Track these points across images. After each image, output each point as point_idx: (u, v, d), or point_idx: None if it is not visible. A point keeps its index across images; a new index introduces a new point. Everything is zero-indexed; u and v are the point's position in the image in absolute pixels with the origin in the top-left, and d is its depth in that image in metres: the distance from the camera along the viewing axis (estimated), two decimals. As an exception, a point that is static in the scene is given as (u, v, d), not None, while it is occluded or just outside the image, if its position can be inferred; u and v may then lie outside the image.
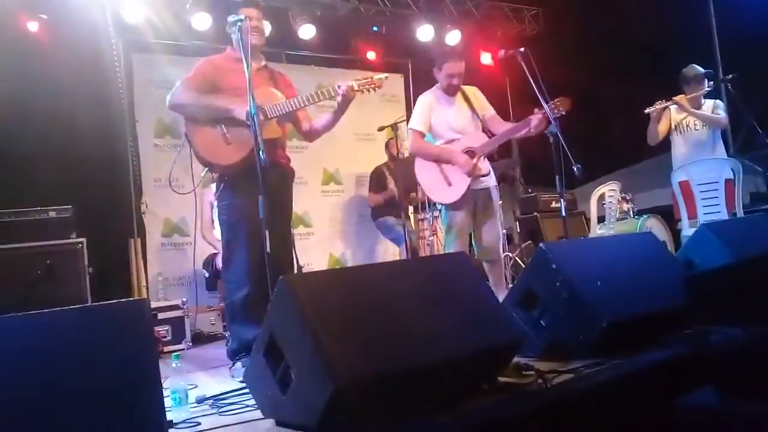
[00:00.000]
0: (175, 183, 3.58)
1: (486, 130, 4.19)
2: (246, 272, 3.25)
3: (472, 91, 4.27)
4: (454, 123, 4.14)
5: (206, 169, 3.44)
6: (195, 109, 3.33)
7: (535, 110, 3.84)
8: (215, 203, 3.58)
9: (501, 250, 4.17)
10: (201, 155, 3.33)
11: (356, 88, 3.36)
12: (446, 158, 4.08)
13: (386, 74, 3.60)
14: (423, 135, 4.16)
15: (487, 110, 4.23)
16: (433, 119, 4.14)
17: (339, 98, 3.39)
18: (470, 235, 4.18)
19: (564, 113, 3.77)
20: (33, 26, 5.32)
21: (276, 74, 3.64)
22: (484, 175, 4.08)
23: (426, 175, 4.14)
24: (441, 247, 5.61)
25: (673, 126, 5.08)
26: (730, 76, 5.53)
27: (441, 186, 4.08)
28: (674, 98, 4.92)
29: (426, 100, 4.20)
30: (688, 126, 5.05)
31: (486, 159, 4.12)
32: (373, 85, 3.41)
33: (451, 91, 4.17)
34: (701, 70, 5.04)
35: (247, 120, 3.09)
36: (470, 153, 4.04)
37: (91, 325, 1.74)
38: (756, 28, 6.80)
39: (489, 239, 4.10)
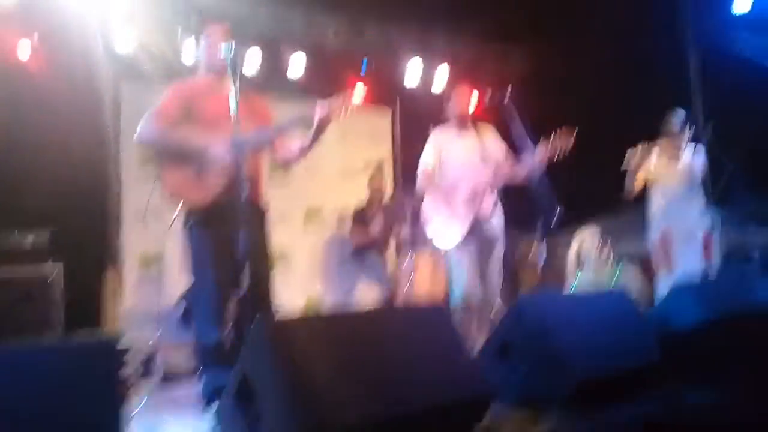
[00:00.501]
0: (153, 215, 3.50)
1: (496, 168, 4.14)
2: (216, 313, 3.15)
3: (486, 128, 4.26)
4: (464, 160, 4.09)
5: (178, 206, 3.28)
6: (165, 144, 3.18)
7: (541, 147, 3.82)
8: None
9: (498, 295, 4.09)
10: (172, 192, 3.19)
11: (329, 110, 3.17)
12: (452, 195, 4.02)
13: (360, 93, 3.45)
14: (432, 172, 4.10)
15: (497, 149, 4.19)
16: (443, 156, 4.10)
17: (314, 124, 3.22)
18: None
19: (568, 148, 3.76)
20: (24, 53, 5.31)
21: (251, 97, 3.43)
22: (485, 217, 4.04)
23: (431, 213, 4.09)
24: (422, 287, 5.62)
25: (651, 176, 5.15)
26: (710, 126, 5.67)
27: (446, 227, 4.01)
28: (655, 147, 5.00)
29: (437, 136, 4.17)
30: (665, 175, 5.13)
31: (495, 196, 4.09)
32: (346, 105, 3.20)
33: (464, 120, 4.15)
34: (682, 119, 5.14)
35: (223, 159, 3.04)
36: (477, 188, 4.00)
37: (56, 362, 1.71)
38: (738, 76, 6.97)
39: (492, 282, 4.04)
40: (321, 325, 2.25)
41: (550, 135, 3.83)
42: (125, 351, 4.36)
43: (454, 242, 3.97)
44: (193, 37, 5.75)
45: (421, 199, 4.20)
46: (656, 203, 5.17)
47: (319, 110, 3.17)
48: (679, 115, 5.13)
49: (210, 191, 3.15)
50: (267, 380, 1.97)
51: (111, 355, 1.82)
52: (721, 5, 7.26)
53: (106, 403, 1.70)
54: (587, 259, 5.53)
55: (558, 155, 3.78)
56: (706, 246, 4.87)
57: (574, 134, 3.78)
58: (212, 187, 3.15)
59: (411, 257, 5.62)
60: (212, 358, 3.19)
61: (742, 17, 7.13)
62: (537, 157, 3.77)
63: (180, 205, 3.22)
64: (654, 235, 4.93)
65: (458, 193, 4.00)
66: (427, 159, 4.10)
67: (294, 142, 3.44)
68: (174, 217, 3.31)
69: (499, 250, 4.12)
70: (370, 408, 1.98)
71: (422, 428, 2.12)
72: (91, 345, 1.90)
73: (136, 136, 3.21)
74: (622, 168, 4.98)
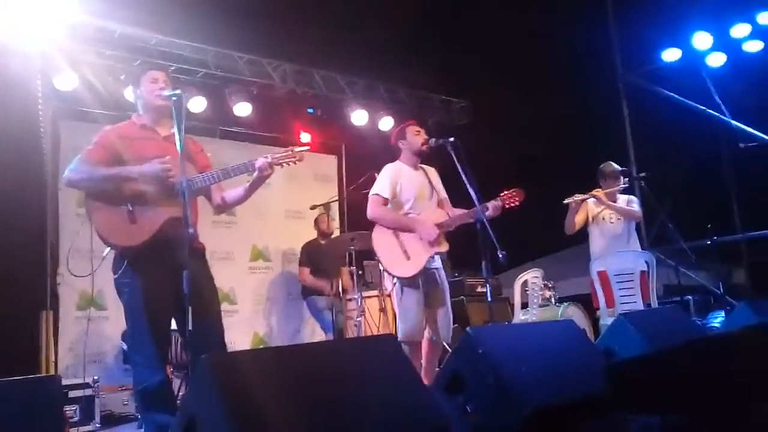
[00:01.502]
0: (88, 256, 3.37)
1: None
2: (154, 356, 3.06)
3: (432, 171, 4.33)
4: (417, 196, 4.12)
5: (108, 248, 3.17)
6: (96, 183, 3.09)
7: (497, 198, 3.98)
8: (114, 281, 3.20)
9: (450, 335, 4.07)
10: (103, 235, 3.08)
11: (272, 161, 3.18)
12: (408, 226, 4.02)
13: (307, 147, 3.50)
14: (385, 202, 4.08)
15: (442, 192, 4.28)
16: (398, 188, 4.10)
17: (255, 173, 3.21)
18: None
19: (518, 204, 3.95)
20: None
21: (188, 141, 3.35)
22: (440, 253, 4.06)
23: (383, 244, 4.05)
24: (370, 329, 5.59)
25: (590, 218, 5.32)
26: (643, 174, 5.94)
27: (399, 258, 3.99)
28: (593, 192, 5.19)
29: (392, 169, 4.18)
30: (604, 219, 5.30)
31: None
32: (292, 158, 3.22)
33: (420, 156, 4.21)
34: (617, 167, 5.37)
35: (153, 181, 3.02)
36: (435, 228, 4.01)
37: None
38: (667, 128, 7.35)
39: (442, 321, 4.03)
40: (269, 359, 2.20)
41: (495, 182, 3.98)
42: (65, 392, 4.17)
43: (408, 272, 3.95)
44: (134, 79, 5.69)
45: (369, 236, 4.20)
46: (595, 244, 5.33)
47: (263, 160, 3.18)
48: (614, 166, 5.35)
49: (144, 233, 3.08)
50: (214, 419, 1.90)
51: (53, 394, 1.74)
52: (650, 55, 7.68)
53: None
54: (531, 300, 5.63)
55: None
56: (643, 287, 5.02)
57: (523, 196, 4.00)
58: (147, 228, 3.08)
59: (359, 300, 5.59)
60: (153, 402, 3.09)
61: (671, 65, 7.54)
62: (489, 211, 3.89)
63: (110, 247, 3.14)
64: (594, 274, 5.06)
65: (415, 228, 4.01)
66: (381, 188, 4.10)
67: (233, 189, 3.44)
68: (103, 258, 3.20)
69: (447, 291, 4.15)
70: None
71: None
72: (34, 384, 1.82)
73: (64, 178, 3.15)
74: (565, 201, 5.13)
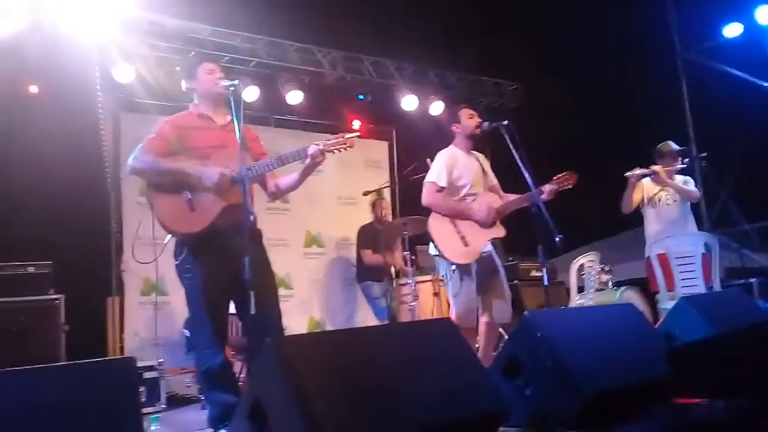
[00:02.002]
0: (152, 243, 3.50)
1: None
2: (214, 337, 3.18)
3: (482, 157, 4.30)
4: (473, 181, 4.09)
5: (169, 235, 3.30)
6: (157, 175, 3.21)
7: (551, 181, 3.95)
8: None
9: (510, 318, 4.05)
10: (164, 222, 3.20)
11: (324, 148, 3.25)
12: (465, 213, 4.00)
13: (357, 133, 3.53)
14: (441, 189, 4.06)
15: (493, 178, 4.26)
16: (455, 175, 4.07)
17: (308, 160, 3.30)
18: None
19: (571, 187, 3.90)
20: (24, 87, 5.37)
21: (244, 129, 3.39)
22: (497, 238, 4.04)
23: (440, 231, 4.03)
24: (424, 314, 5.61)
25: (645, 199, 5.20)
26: (704, 153, 5.75)
27: (456, 245, 3.97)
28: (653, 167, 5.06)
29: (447, 155, 4.14)
30: (660, 201, 5.18)
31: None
32: (343, 145, 3.29)
33: (473, 140, 4.18)
34: (676, 146, 5.22)
35: (213, 185, 3.12)
36: (491, 211, 4.00)
37: (76, 382, 1.71)
38: (728, 106, 7.09)
39: (500, 304, 4.03)
40: (331, 342, 2.25)
41: (548, 165, 3.94)
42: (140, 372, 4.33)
43: (466, 259, 3.95)
44: (190, 70, 5.80)
45: (424, 222, 4.21)
46: (651, 227, 5.21)
47: (315, 147, 3.25)
48: (672, 145, 5.21)
49: (203, 220, 3.17)
50: (279, 400, 1.96)
51: (130, 374, 1.82)
52: (710, 31, 7.41)
53: (128, 423, 1.69)
54: (587, 283, 5.55)
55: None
56: (705, 269, 4.89)
57: (575, 179, 3.95)
58: (206, 216, 3.18)
59: (412, 284, 5.62)
60: (216, 383, 3.20)
61: (733, 41, 7.26)
62: (544, 195, 3.87)
63: (171, 234, 3.25)
64: (653, 257, 4.95)
65: (471, 213, 4.00)
66: (437, 176, 4.08)
67: (287, 176, 3.52)
68: (164, 245, 3.32)
69: (503, 273, 4.14)
70: (384, 425, 1.97)
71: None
72: (112, 365, 1.91)
73: (128, 166, 3.27)
74: (626, 174, 5.03)
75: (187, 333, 5.07)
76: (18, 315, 4.25)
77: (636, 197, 5.15)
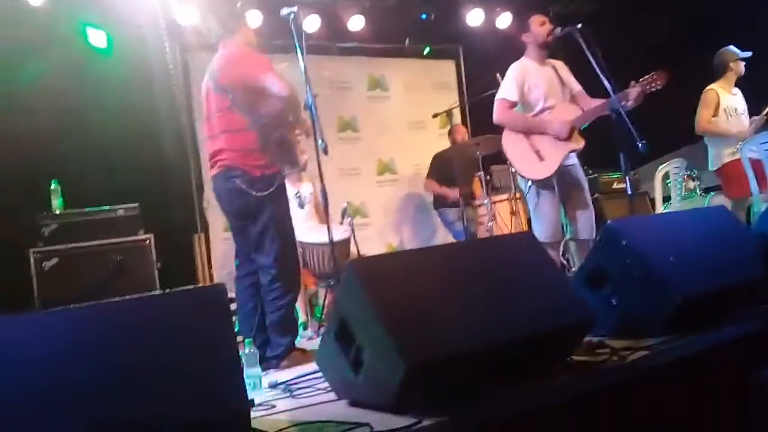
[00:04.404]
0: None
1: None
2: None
3: (560, 64, 4.12)
4: (547, 93, 3.95)
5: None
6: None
7: (632, 83, 3.67)
8: None
9: (593, 234, 3.93)
10: None
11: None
12: (538, 128, 3.89)
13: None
14: (513, 105, 3.96)
15: (575, 85, 4.07)
16: (526, 88, 3.94)
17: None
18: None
19: (660, 88, 3.62)
20: (98, 39, 5.49)
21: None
22: (575, 150, 3.89)
23: (514, 148, 3.96)
24: (502, 233, 5.56)
25: (722, 110, 4.92)
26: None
27: (532, 161, 3.89)
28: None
29: (518, 69, 3.99)
30: (735, 110, 4.90)
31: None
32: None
33: (545, 49, 4.01)
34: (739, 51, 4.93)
35: None
36: (567, 122, 3.85)
37: (173, 309, 1.79)
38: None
39: (584, 218, 3.93)
40: (409, 260, 2.26)
41: (627, 72, 3.70)
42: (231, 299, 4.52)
43: (543, 174, 3.85)
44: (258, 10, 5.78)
45: (498, 140, 4.11)
46: (734, 132, 4.92)
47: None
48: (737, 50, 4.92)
49: None
50: (363, 319, 2.00)
51: (222, 300, 1.88)
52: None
53: (223, 344, 1.76)
54: (674, 192, 5.33)
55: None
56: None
57: (666, 77, 3.63)
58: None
59: (488, 204, 5.55)
60: None
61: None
62: (630, 101, 3.63)
63: None
64: (744, 159, 4.67)
65: (545, 128, 3.88)
66: (507, 91, 3.96)
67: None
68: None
69: (586, 187, 4.02)
70: (467, 338, 1.98)
71: (522, 355, 2.12)
72: (205, 292, 1.99)
73: None
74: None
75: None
76: (113, 255, 4.48)
77: (707, 114, 4.88)
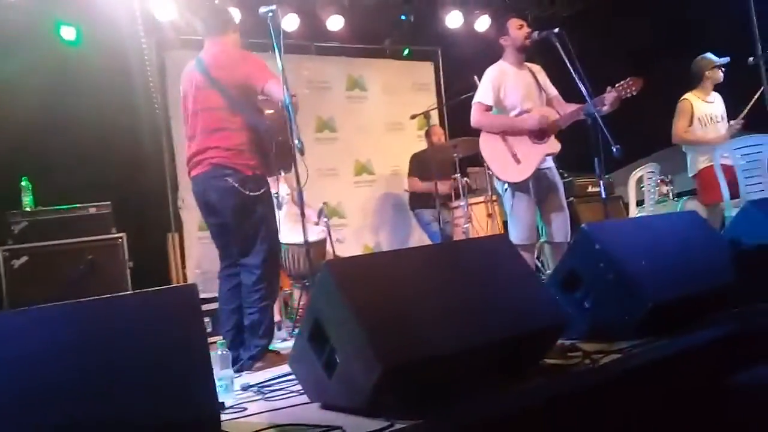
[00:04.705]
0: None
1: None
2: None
3: (537, 68, 4.13)
4: (524, 97, 3.96)
5: None
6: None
7: (608, 88, 3.68)
8: None
9: (568, 238, 3.96)
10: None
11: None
12: (517, 125, 3.89)
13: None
14: (489, 108, 3.95)
15: (551, 89, 4.08)
16: (503, 92, 3.95)
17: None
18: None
19: (636, 94, 3.64)
20: (68, 33, 5.41)
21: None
22: (551, 154, 3.90)
23: (491, 151, 3.96)
24: (478, 235, 5.58)
25: (696, 119, 4.99)
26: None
27: (509, 163, 3.89)
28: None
29: (494, 72, 3.99)
30: (711, 118, 4.98)
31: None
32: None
33: (523, 52, 4.01)
34: (718, 58, 4.98)
35: None
36: (544, 126, 3.86)
37: (144, 309, 1.76)
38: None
39: (559, 221, 3.94)
40: (385, 262, 2.26)
41: (603, 76, 3.73)
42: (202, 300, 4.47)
43: (520, 177, 3.86)
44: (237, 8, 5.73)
45: (475, 142, 4.12)
46: (709, 137, 4.99)
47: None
48: (714, 57, 4.96)
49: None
50: (337, 320, 1.99)
51: (193, 300, 1.86)
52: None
53: (195, 345, 1.75)
54: (647, 196, 5.39)
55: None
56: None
57: (641, 83, 3.66)
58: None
59: (465, 206, 5.57)
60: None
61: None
62: (606, 106, 3.66)
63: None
64: (716, 165, 4.74)
65: (523, 126, 3.89)
66: (484, 95, 3.96)
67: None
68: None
69: (561, 190, 4.05)
70: (443, 340, 1.98)
71: (496, 358, 2.12)
72: (176, 292, 1.96)
73: None
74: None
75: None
76: (84, 254, 4.42)
77: (683, 124, 4.95)
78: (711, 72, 5.00)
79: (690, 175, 5.08)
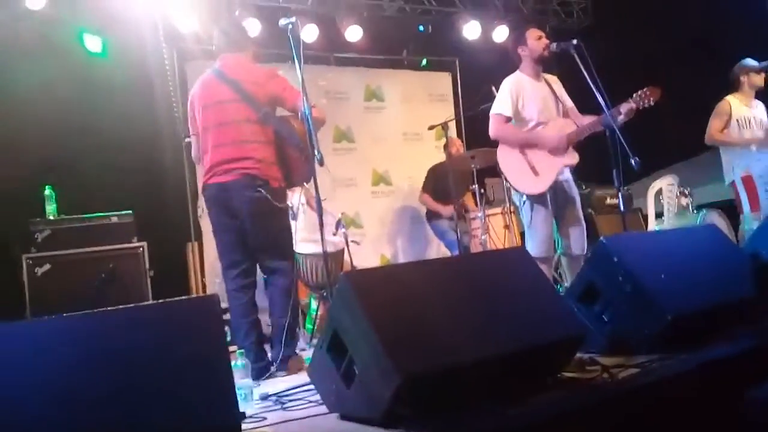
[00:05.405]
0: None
1: None
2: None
3: (554, 79, 4.13)
4: (542, 108, 3.94)
5: None
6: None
7: (629, 99, 3.66)
8: None
9: (585, 251, 3.94)
10: None
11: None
12: (535, 141, 3.89)
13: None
14: (509, 120, 3.94)
15: (568, 101, 4.07)
16: (521, 103, 3.94)
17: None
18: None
19: (653, 104, 3.60)
20: (94, 44, 5.49)
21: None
22: (569, 165, 3.91)
23: (509, 162, 3.96)
24: (495, 247, 5.56)
25: (734, 120, 4.90)
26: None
27: (527, 175, 3.89)
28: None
29: (512, 83, 3.98)
30: (750, 121, 4.89)
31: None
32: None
33: (541, 63, 4.01)
34: (756, 64, 4.90)
35: None
36: (562, 138, 3.85)
37: (166, 320, 1.79)
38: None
39: (576, 233, 3.93)
40: (403, 274, 2.27)
41: (621, 87, 3.72)
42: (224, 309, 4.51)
43: (538, 189, 3.86)
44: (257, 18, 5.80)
45: (493, 153, 4.12)
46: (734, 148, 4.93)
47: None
48: (752, 62, 4.87)
49: None
50: (356, 331, 2.00)
51: (214, 310, 1.89)
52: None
53: (216, 355, 1.77)
54: (667, 208, 5.35)
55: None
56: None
57: (659, 94, 3.62)
58: None
59: (482, 217, 5.56)
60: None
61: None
62: (621, 116, 3.62)
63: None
64: (738, 176, 4.70)
65: (542, 141, 3.89)
66: (502, 106, 3.95)
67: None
68: None
69: (579, 203, 4.03)
70: (460, 352, 1.99)
71: (513, 370, 2.12)
72: (197, 302, 1.99)
73: None
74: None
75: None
76: (106, 262, 4.47)
77: (717, 124, 4.87)
78: (746, 77, 4.89)
79: (727, 182, 4.97)
